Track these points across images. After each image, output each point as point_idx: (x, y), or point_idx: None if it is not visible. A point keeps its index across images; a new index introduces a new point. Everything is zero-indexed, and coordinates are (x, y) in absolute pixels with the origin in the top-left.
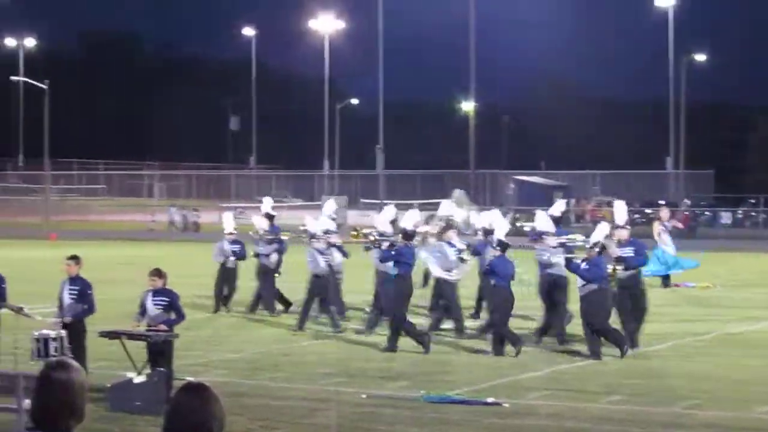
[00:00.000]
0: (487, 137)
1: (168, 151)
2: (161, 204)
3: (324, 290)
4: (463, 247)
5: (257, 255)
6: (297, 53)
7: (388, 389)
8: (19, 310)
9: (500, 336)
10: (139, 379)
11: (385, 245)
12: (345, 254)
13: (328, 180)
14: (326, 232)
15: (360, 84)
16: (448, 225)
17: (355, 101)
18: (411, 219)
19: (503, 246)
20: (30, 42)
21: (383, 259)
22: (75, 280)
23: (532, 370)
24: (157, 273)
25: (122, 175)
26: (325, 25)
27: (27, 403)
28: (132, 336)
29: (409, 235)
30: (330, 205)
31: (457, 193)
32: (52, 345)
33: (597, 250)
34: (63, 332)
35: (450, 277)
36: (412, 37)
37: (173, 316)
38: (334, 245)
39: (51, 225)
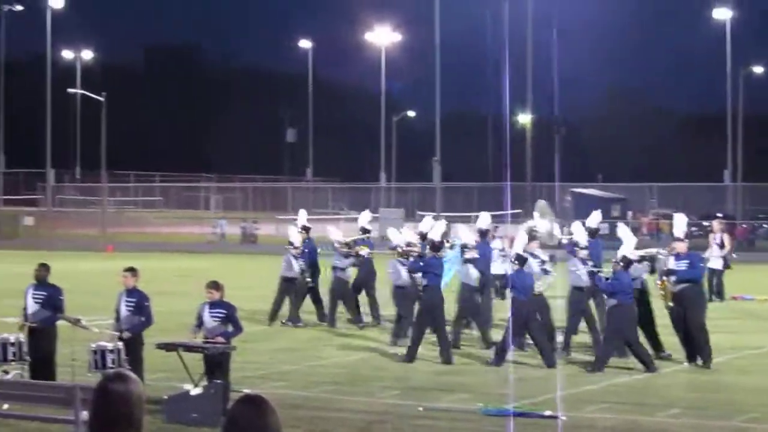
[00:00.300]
0: (544, 149)
1: (225, 163)
2: (218, 216)
3: (406, 301)
4: (547, 258)
5: (333, 268)
6: (354, 65)
7: (446, 402)
8: (76, 322)
9: (502, 347)
10: (195, 391)
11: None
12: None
13: (385, 192)
14: (409, 244)
15: (417, 96)
16: (531, 236)
17: (411, 113)
18: (438, 230)
19: (521, 260)
20: (87, 54)
21: (412, 270)
22: (132, 292)
23: (590, 383)
24: (215, 285)
25: (179, 188)
26: (382, 37)
27: (84, 415)
28: (189, 348)
29: (437, 247)
30: (365, 216)
31: (541, 203)
32: (110, 357)
33: (621, 264)
34: (120, 344)
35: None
36: (468, 49)
37: (230, 328)
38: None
39: (108, 237)
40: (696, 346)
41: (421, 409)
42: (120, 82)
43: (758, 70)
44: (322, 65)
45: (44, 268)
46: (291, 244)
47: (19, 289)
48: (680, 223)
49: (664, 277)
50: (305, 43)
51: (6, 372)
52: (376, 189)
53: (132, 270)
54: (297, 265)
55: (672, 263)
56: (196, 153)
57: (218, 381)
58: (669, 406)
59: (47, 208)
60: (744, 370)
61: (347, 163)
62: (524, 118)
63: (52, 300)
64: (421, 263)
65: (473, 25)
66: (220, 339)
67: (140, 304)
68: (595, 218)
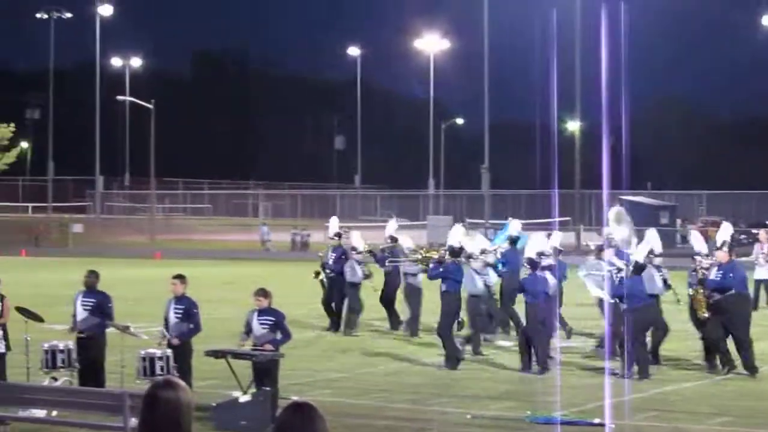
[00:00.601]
0: (592, 157)
1: (273, 170)
2: (267, 223)
3: (480, 310)
4: (623, 266)
5: (405, 275)
6: (402, 72)
7: (493, 410)
8: (125, 329)
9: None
10: (244, 399)
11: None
12: (500, 274)
13: (433, 199)
14: (483, 252)
15: (465, 103)
16: (607, 243)
17: (459, 120)
18: (456, 236)
19: (533, 264)
20: (136, 61)
21: (431, 276)
22: (181, 299)
23: (638, 391)
24: (263, 293)
25: (227, 195)
26: (431, 44)
27: (133, 422)
28: (237, 355)
29: (456, 252)
30: (392, 224)
31: (616, 209)
32: (158, 364)
33: (631, 269)
34: (169, 351)
35: (606, 296)
36: (517, 56)
37: (279, 335)
38: (490, 265)
39: (156, 244)
40: (741, 355)
41: (469, 416)
42: (168, 89)
43: None
44: (371, 72)
45: (93, 275)
46: (354, 249)
47: (68, 296)
48: (724, 232)
49: (696, 287)
50: (354, 50)
51: (55, 379)
52: (424, 196)
53: (181, 277)
54: (360, 270)
55: (713, 273)
56: (244, 160)
57: (267, 388)
58: (719, 415)
59: (96, 216)
60: None
61: (395, 170)
62: (573, 126)
63: (101, 307)
64: (441, 269)
65: (522, 32)
66: (269, 346)
67: (189, 311)
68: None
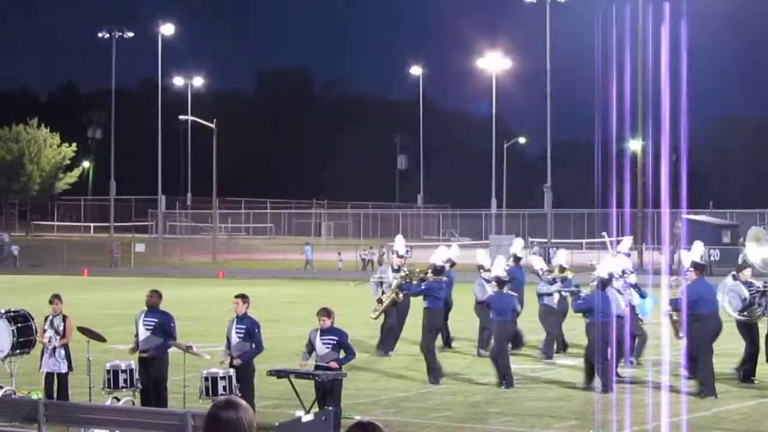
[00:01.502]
0: (655, 176)
1: (336, 189)
2: (328, 242)
3: (621, 331)
4: (760, 286)
5: (539, 296)
6: (464, 91)
7: (557, 428)
8: (187, 349)
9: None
10: (307, 418)
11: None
12: (642, 294)
13: (496, 218)
14: (624, 272)
15: (527, 122)
16: (744, 264)
17: (522, 140)
18: (441, 255)
19: (500, 282)
20: (198, 81)
21: (413, 293)
22: (243, 318)
23: (701, 410)
24: (326, 312)
25: (290, 214)
26: (493, 63)
27: None
28: (300, 375)
29: (438, 271)
30: (399, 241)
31: (754, 229)
32: (221, 384)
33: (596, 284)
34: (231, 371)
35: (742, 317)
36: (579, 75)
37: (342, 354)
38: (632, 285)
39: (218, 263)
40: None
41: None
42: (231, 108)
43: None
44: (433, 91)
45: (156, 294)
46: (482, 267)
47: (130, 316)
48: (694, 252)
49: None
50: (416, 70)
51: (117, 399)
52: (487, 215)
53: (243, 296)
54: (490, 289)
55: (678, 293)
56: (307, 179)
57: (329, 408)
58: None
59: (158, 235)
60: None
61: (458, 190)
62: (635, 145)
63: (163, 327)
64: (423, 286)
65: (584, 51)
66: (334, 364)
67: (251, 330)
68: (626, 244)
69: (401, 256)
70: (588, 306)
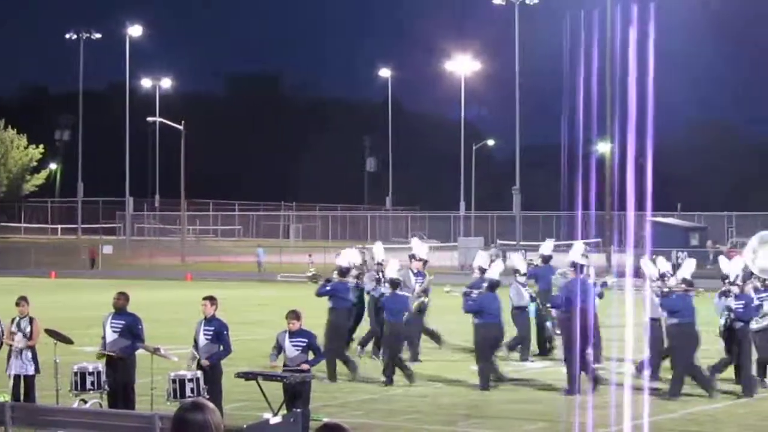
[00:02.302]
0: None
1: (305, 191)
2: (297, 245)
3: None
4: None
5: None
6: (433, 94)
7: (525, 431)
8: (155, 351)
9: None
10: (275, 420)
11: (321, 281)
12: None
13: (464, 221)
14: (662, 276)
15: (496, 125)
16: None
17: (491, 142)
18: (346, 257)
19: (393, 284)
20: (166, 82)
21: (319, 294)
22: (211, 320)
23: (668, 412)
24: (295, 315)
25: (258, 216)
26: (462, 66)
27: None
28: (268, 377)
29: (343, 273)
30: (378, 247)
31: (762, 233)
32: (188, 386)
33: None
34: (199, 373)
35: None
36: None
37: (311, 356)
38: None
39: (186, 265)
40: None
41: None
42: (199, 110)
43: None
44: (402, 94)
45: (123, 296)
46: (517, 271)
47: (98, 318)
48: (662, 264)
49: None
50: (385, 72)
51: (84, 401)
52: (455, 217)
53: (211, 298)
54: (527, 293)
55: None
56: (275, 182)
57: (298, 410)
58: None
59: (126, 237)
60: None
61: (427, 192)
62: (604, 147)
63: (130, 329)
64: (328, 287)
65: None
66: (306, 366)
67: (219, 332)
68: (547, 246)
69: (421, 259)
70: (478, 307)
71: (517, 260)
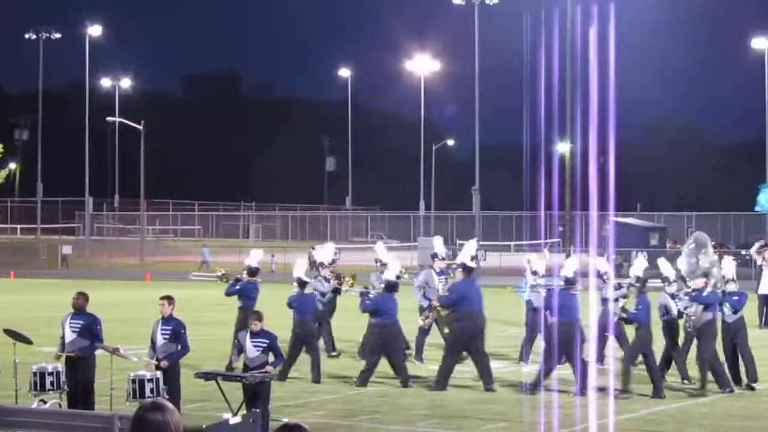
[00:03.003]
0: (583, 179)
1: (264, 191)
2: (256, 245)
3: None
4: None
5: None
6: (393, 94)
7: (484, 431)
8: (114, 351)
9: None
10: (234, 420)
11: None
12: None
13: (424, 221)
14: (600, 276)
15: (456, 125)
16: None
17: (451, 142)
18: (255, 257)
19: (301, 284)
20: (126, 82)
21: (228, 293)
22: (168, 320)
23: (629, 412)
24: (257, 316)
25: (218, 216)
26: (422, 66)
27: None
28: (227, 377)
29: (253, 272)
30: (380, 247)
31: (697, 235)
32: (148, 386)
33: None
34: (158, 373)
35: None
36: (508, 77)
37: (272, 357)
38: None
39: (146, 265)
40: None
41: None
42: (159, 110)
43: None
44: (362, 93)
45: (82, 296)
46: (536, 273)
47: (57, 318)
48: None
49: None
50: (345, 72)
51: (44, 401)
52: (415, 217)
53: (169, 298)
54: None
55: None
56: (235, 181)
57: (257, 410)
58: None
59: (85, 237)
60: None
61: (386, 192)
62: (564, 147)
63: (89, 329)
64: (237, 287)
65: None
66: (271, 368)
67: (177, 332)
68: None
69: (443, 259)
70: (374, 307)
71: (535, 261)
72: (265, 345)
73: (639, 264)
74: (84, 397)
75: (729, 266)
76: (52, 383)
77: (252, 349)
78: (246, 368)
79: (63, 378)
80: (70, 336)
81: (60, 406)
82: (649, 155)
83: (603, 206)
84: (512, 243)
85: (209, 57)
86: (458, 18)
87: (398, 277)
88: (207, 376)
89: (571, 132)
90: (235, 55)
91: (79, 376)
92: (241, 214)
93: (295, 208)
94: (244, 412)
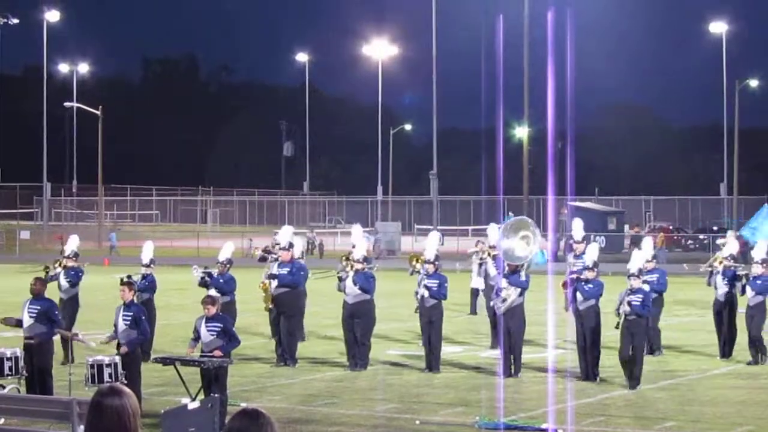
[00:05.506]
0: (542, 163)
1: (222, 176)
2: (214, 230)
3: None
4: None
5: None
6: (351, 79)
7: (442, 415)
8: (73, 337)
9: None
10: (193, 405)
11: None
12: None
13: (382, 205)
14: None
15: (413, 109)
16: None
17: (408, 127)
18: (227, 250)
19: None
20: (83, 68)
21: (200, 284)
22: (129, 306)
23: (586, 396)
24: (211, 300)
25: (176, 201)
26: (379, 50)
27: (81, 429)
28: (186, 362)
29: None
30: (287, 230)
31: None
32: (106, 371)
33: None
34: (117, 358)
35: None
36: (466, 63)
37: (227, 341)
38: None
39: (104, 251)
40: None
41: (417, 422)
42: (117, 95)
43: (753, 83)
44: (319, 78)
45: (39, 282)
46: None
47: (15, 303)
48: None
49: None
50: (302, 56)
51: (2, 386)
52: (373, 202)
53: (129, 284)
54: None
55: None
56: (193, 166)
57: (215, 395)
58: (665, 420)
59: (43, 222)
60: (738, 384)
61: (344, 177)
62: (521, 132)
63: (47, 314)
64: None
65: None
66: (218, 352)
67: (137, 317)
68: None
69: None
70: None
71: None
72: (220, 329)
73: (592, 250)
74: (42, 382)
75: (760, 250)
76: (10, 368)
77: (207, 334)
78: (203, 353)
79: (21, 363)
80: (27, 321)
81: (18, 391)
82: (607, 140)
83: (561, 191)
84: (470, 228)
85: (167, 41)
86: (416, 2)
87: (366, 259)
88: (165, 361)
89: (529, 117)
90: (193, 39)
91: (37, 361)
92: (199, 199)
93: (252, 193)
94: (203, 397)
